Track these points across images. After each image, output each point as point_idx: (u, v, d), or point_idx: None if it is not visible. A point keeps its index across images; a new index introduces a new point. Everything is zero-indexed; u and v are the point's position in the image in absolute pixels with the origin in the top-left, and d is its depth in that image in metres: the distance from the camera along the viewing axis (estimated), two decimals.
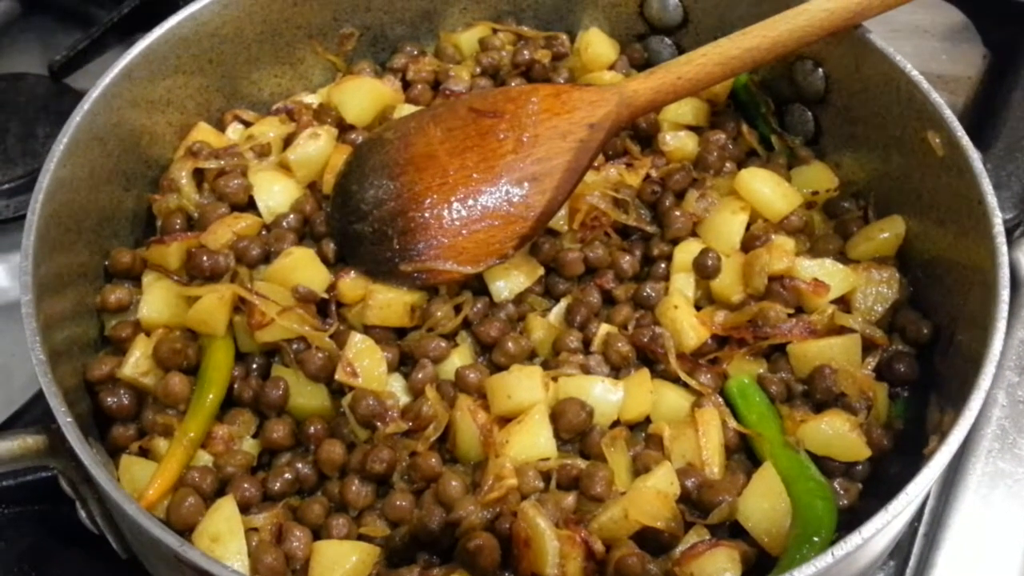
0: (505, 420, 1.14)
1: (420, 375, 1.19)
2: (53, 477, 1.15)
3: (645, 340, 1.21)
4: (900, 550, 1.26)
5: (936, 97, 1.22)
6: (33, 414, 1.34)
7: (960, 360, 1.13)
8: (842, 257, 1.29)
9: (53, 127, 1.66)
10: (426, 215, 1.24)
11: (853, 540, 0.88)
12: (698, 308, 1.25)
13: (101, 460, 1.05)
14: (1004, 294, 1.05)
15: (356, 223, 1.28)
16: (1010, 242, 1.49)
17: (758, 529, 1.05)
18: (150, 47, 1.32)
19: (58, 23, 1.96)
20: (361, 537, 1.09)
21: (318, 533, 1.10)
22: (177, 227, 1.31)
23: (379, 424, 1.15)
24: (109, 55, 1.77)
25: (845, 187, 1.38)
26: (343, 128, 1.42)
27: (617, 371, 1.21)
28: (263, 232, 1.32)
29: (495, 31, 1.56)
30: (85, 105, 1.24)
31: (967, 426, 0.96)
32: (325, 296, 1.23)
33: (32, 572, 1.26)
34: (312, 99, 1.50)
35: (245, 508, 1.09)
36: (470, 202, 1.23)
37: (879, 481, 1.15)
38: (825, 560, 0.87)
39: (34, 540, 1.28)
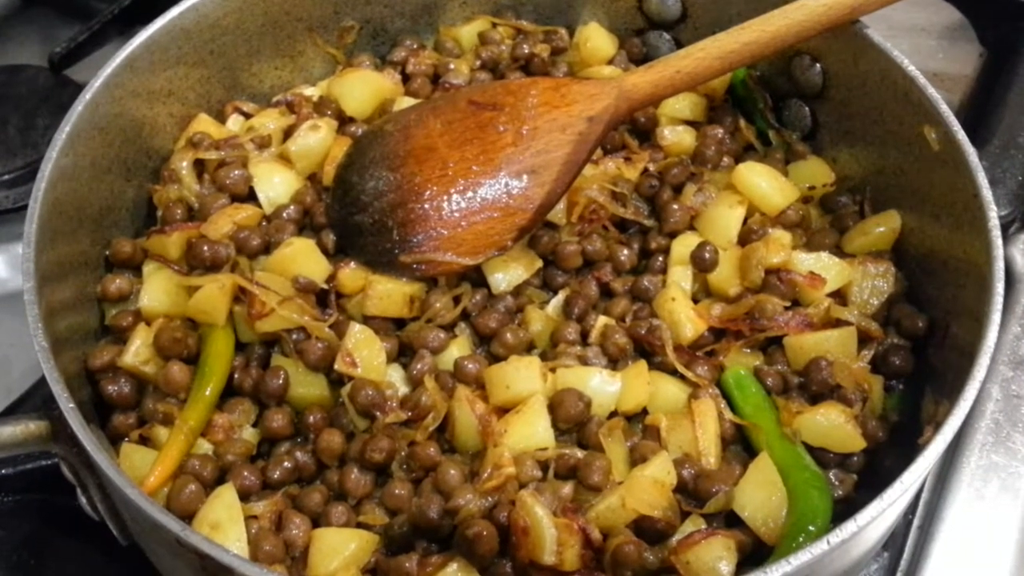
0: (503, 410, 1.14)
1: (419, 365, 1.19)
2: (52, 465, 1.16)
3: (643, 332, 1.22)
4: (894, 542, 1.27)
5: (932, 92, 1.22)
6: (32, 403, 1.35)
7: (955, 353, 1.14)
8: (838, 251, 1.30)
9: (53, 119, 1.66)
10: (426, 207, 1.25)
11: (848, 528, 0.89)
12: (695, 301, 1.26)
13: (103, 445, 1.05)
14: (999, 287, 1.05)
15: (356, 214, 1.28)
16: (1005, 238, 1.51)
17: (754, 518, 1.06)
18: (152, 38, 1.32)
19: (58, 15, 1.97)
20: (360, 525, 1.10)
21: (317, 521, 1.10)
22: (178, 217, 1.32)
23: (378, 414, 1.15)
24: (109, 47, 1.78)
25: (842, 182, 1.39)
26: (343, 120, 1.43)
27: (615, 363, 1.22)
28: (263, 223, 1.32)
29: (494, 25, 1.57)
30: (87, 95, 1.24)
31: (962, 416, 0.97)
32: (325, 286, 1.24)
33: (31, 560, 1.27)
34: (312, 91, 1.50)
35: (245, 496, 1.09)
36: (469, 194, 1.24)
37: (874, 473, 1.16)
38: (821, 547, 0.88)
39: (33, 528, 1.29)
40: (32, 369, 1.39)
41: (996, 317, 1.03)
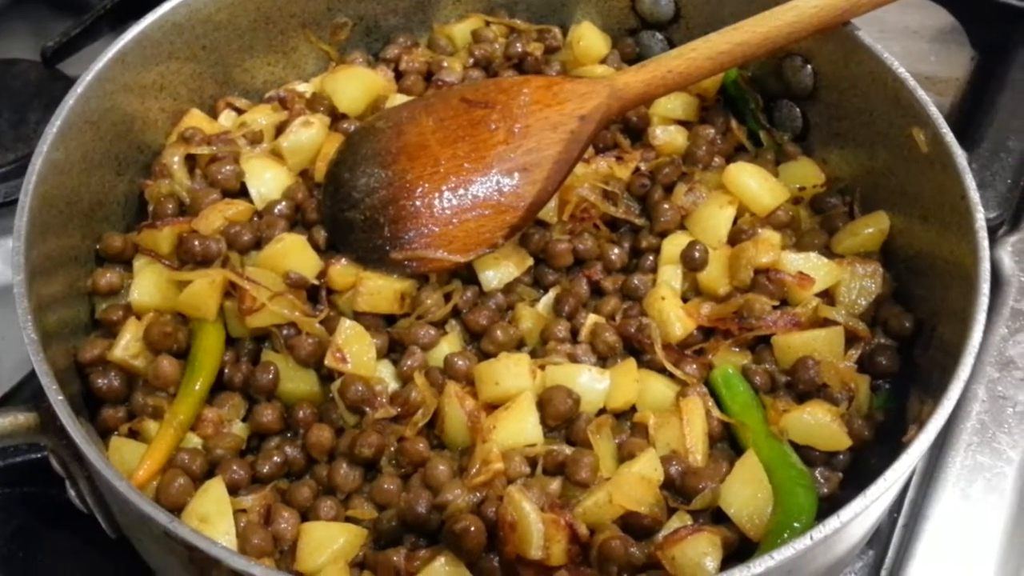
0: (492, 407, 1.15)
1: (409, 362, 1.19)
2: (41, 459, 1.16)
3: (632, 330, 1.23)
4: (879, 540, 1.28)
5: (922, 94, 1.23)
6: (21, 397, 1.35)
7: (940, 353, 1.15)
8: (827, 252, 1.30)
9: (45, 113, 1.66)
10: (417, 203, 1.25)
11: (831, 523, 0.90)
12: (685, 300, 1.27)
13: (92, 438, 1.06)
14: (984, 287, 1.06)
15: (347, 211, 1.29)
16: (994, 241, 1.52)
17: (740, 515, 1.06)
18: (144, 32, 1.32)
19: (50, 9, 1.96)
20: (349, 519, 1.10)
21: (306, 515, 1.10)
22: (169, 212, 1.32)
23: (368, 409, 1.16)
24: (101, 42, 1.78)
25: (831, 183, 1.40)
26: (335, 117, 1.43)
27: (604, 360, 1.22)
28: (255, 219, 1.32)
29: (488, 23, 1.57)
30: (78, 88, 1.24)
31: (945, 414, 0.98)
32: (316, 282, 1.24)
33: (20, 553, 1.27)
34: (305, 88, 1.50)
35: (234, 490, 1.09)
36: (461, 191, 1.24)
37: (859, 471, 1.17)
38: (804, 543, 0.88)
39: (22, 522, 1.29)
40: (22, 363, 1.39)
41: (981, 317, 1.04)
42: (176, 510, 1.06)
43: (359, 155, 1.32)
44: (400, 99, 1.42)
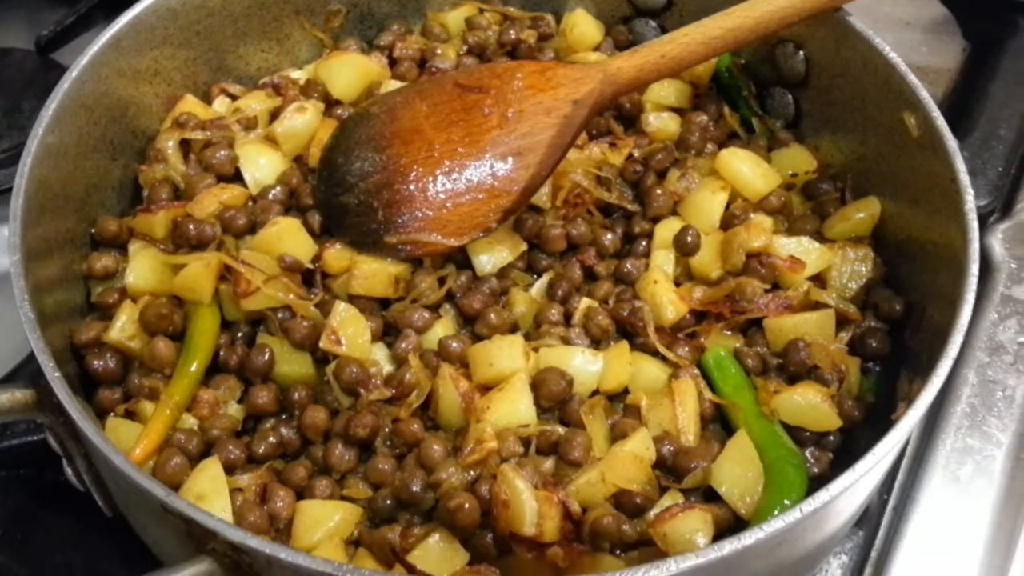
0: (486, 388, 1.15)
1: (403, 344, 1.20)
2: (38, 440, 1.17)
3: (625, 314, 1.23)
4: (869, 521, 1.29)
5: (912, 78, 1.24)
6: (19, 379, 1.34)
7: (930, 335, 1.16)
8: (819, 237, 1.31)
9: (39, 102, 1.63)
10: (411, 188, 1.26)
11: (821, 497, 0.91)
12: (677, 284, 1.28)
13: (89, 416, 1.06)
14: (973, 267, 1.07)
15: (342, 195, 1.29)
16: (984, 228, 1.53)
17: (731, 493, 1.07)
18: (138, 17, 1.33)
19: None
20: (344, 499, 1.11)
21: (301, 494, 1.11)
22: (163, 197, 1.32)
23: (362, 391, 1.16)
24: (95, 30, 1.78)
25: (823, 169, 1.40)
26: (329, 103, 1.43)
27: (597, 343, 1.23)
28: (249, 203, 1.33)
29: (481, 11, 1.57)
30: (73, 73, 1.25)
31: (934, 391, 0.99)
32: (310, 266, 1.24)
33: (17, 535, 1.27)
34: (299, 74, 1.51)
35: (230, 469, 1.10)
36: (455, 175, 1.25)
37: (849, 452, 1.17)
38: (793, 515, 0.89)
39: (20, 504, 1.29)
40: (18, 348, 1.39)
41: (970, 297, 1.05)
42: (173, 488, 1.06)
43: (353, 140, 1.32)
44: (394, 86, 1.43)
